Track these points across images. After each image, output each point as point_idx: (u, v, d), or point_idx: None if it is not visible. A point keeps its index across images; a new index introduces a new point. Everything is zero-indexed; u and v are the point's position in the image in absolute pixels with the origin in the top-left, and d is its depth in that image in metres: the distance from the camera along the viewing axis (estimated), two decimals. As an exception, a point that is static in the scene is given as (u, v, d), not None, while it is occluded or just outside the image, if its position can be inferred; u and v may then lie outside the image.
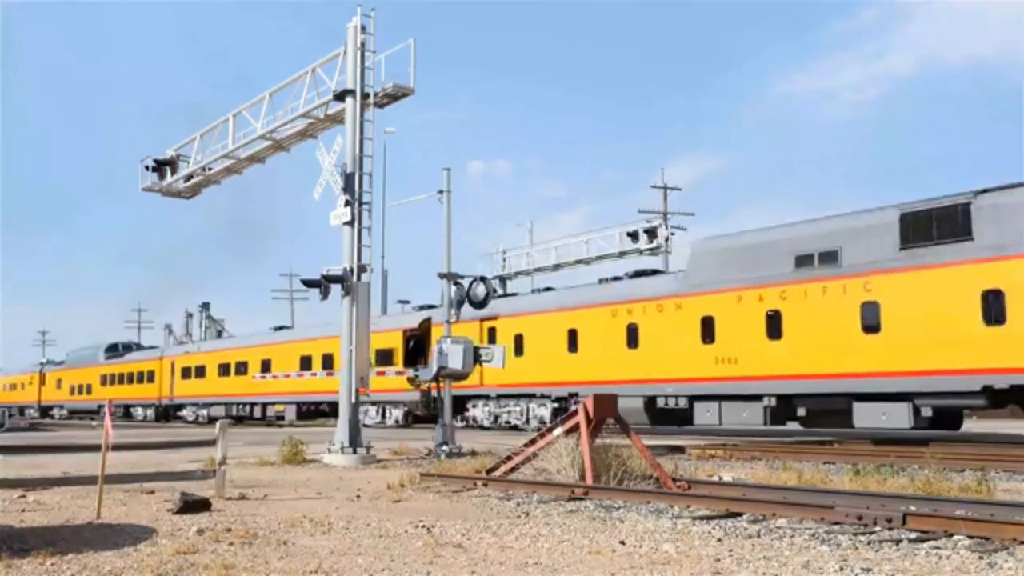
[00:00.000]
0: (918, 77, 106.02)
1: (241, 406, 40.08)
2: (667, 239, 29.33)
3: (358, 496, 9.89)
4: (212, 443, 10.36)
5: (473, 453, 15.72)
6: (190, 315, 67.35)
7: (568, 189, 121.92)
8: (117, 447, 9.94)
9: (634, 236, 28.94)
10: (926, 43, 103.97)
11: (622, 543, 6.59)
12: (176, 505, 8.38)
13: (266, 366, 38.11)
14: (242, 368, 39.97)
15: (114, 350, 54.77)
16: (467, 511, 8.55)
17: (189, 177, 21.01)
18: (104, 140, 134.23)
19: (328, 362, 33.04)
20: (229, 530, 7.25)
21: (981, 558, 5.82)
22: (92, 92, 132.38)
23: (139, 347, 56.61)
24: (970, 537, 6.41)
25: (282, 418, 37.67)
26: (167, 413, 47.10)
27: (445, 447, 16.27)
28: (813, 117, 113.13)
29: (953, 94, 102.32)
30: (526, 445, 11.12)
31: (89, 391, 54.65)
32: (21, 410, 65.82)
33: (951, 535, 6.53)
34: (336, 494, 10.11)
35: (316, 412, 35.94)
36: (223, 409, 40.06)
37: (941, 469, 10.70)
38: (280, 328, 42.42)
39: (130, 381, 50.24)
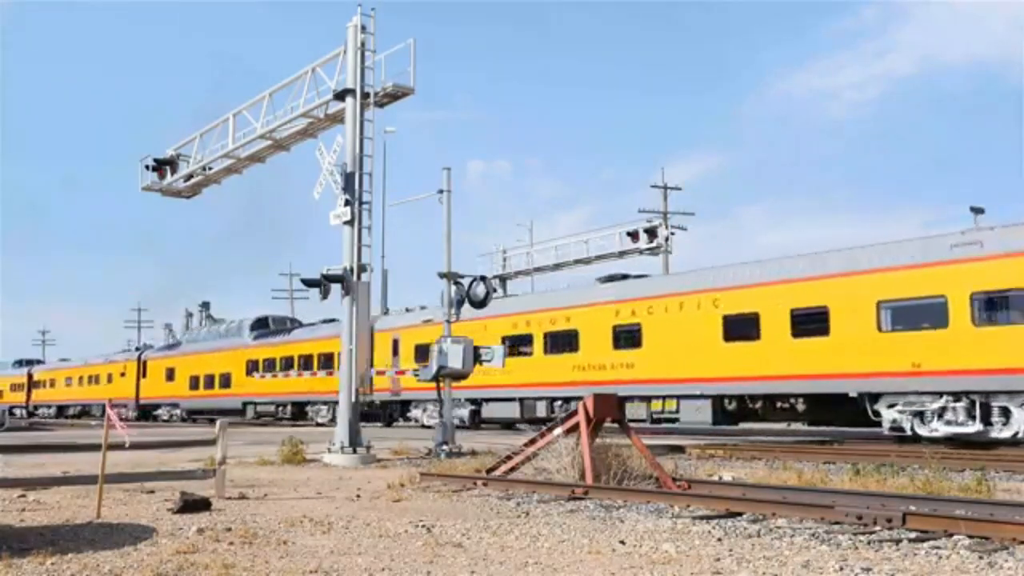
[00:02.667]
0: (918, 77, 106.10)
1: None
2: (667, 239, 29.38)
3: (358, 496, 9.89)
4: (212, 443, 10.37)
5: (473, 453, 15.73)
6: (190, 315, 67.39)
7: (568, 189, 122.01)
8: (114, 447, 9.91)
9: (634, 236, 28.99)
10: (926, 43, 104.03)
11: (622, 543, 6.59)
12: (176, 505, 8.38)
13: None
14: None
15: (263, 326, 40.38)
16: (467, 511, 8.55)
17: (189, 177, 20.99)
18: (104, 140, 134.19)
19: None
20: (229, 530, 7.25)
21: (981, 558, 5.82)
22: (92, 91, 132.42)
23: (295, 322, 41.33)
24: (970, 537, 6.41)
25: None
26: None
27: (445, 447, 16.27)
28: (813, 117, 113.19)
29: (953, 94, 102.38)
30: (526, 445, 11.13)
31: (227, 383, 40.34)
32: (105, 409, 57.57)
33: (951, 535, 6.53)
34: (336, 494, 10.11)
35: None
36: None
37: (941, 469, 10.71)
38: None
39: (303, 368, 34.50)
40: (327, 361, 32.69)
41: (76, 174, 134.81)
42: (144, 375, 48.67)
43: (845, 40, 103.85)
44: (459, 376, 17.60)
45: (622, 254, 29.38)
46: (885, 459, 13.29)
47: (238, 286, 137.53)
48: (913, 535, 6.60)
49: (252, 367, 38.75)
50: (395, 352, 30.36)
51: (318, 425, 31.99)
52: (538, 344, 26.19)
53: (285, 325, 40.09)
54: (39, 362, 72.00)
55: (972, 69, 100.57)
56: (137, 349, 54.61)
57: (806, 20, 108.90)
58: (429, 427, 26.13)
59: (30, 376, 66.59)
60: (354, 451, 14.70)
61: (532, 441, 11.10)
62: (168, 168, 21.15)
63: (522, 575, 5.59)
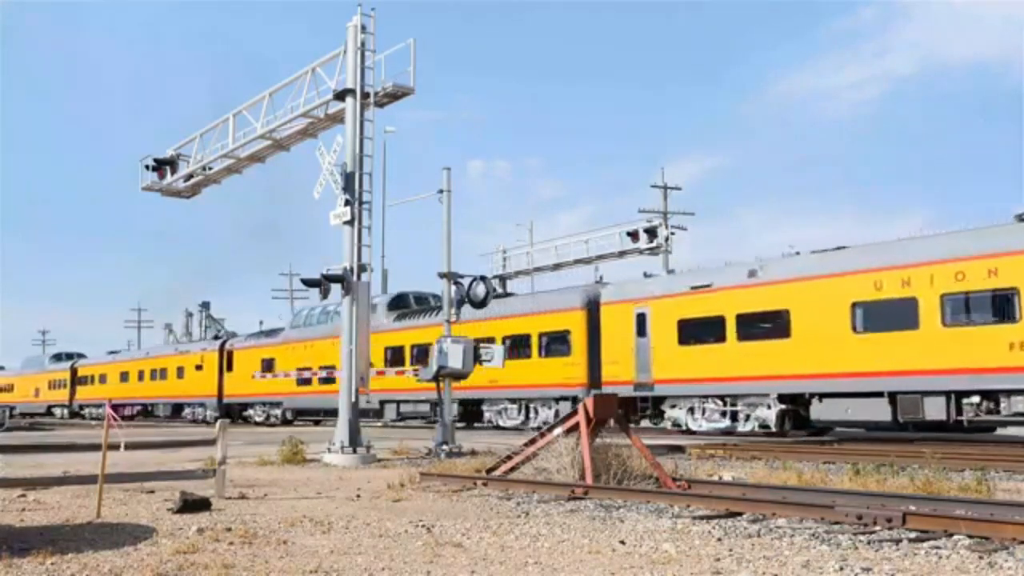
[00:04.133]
0: (918, 77, 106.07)
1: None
2: (667, 239, 29.34)
3: (358, 496, 9.89)
4: (212, 443, 10.37)
5: (473, 453, 15.73)
6: (190, 314, 67.46)
7: (568, 189, 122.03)
8: (114, 447, 9.94)
9: (634, 236, 28.94)
10: (926, 43, 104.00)
11: (622, 543, 6.59)
12: (176, 504, 8.38)
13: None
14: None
15: (402, 304, 33.01)
16: (467, 511, 8.55)
17: (189, 176, 21.01)
18: (104, 139, 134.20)
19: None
20: (229, 529, 7.25)
21: (981, 558, 5.82)
22: (91, 91, 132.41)
23: (438, 299, 29.62)
24: (970, 537, 6.41)
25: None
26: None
27: (445, 447, 16.28)
28: (814, 116, 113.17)
29: (953, 94, 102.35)
30: (526, 445, 11.13)
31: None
32: (179, 408, 44.65)
33: (951, 535, 6.53)
34: (336, 494, 10.11)
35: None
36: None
37: (941, 469, 10.70)
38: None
39: None
40: (517, 343, 26.40)
41: (76, 173, 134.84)
42: (229, 368, 40.81)
43: (845, 40, 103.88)
44: (459, 376, 17.56)
45: (622, 254, 29.33)
46: (885, 459, 13.28)
47: (240, 286, 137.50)
48: (913, 535, 6.60)
49: (393, 356, 31.12)
50: (641, 331, 23.62)
51: (512, 429, 25.77)
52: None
53: (428, 303, 31.74)
54: (81, 356, 63.81)
55: (972, 69, 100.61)
56: (217, 337, 45.91)
57: (806, 20, 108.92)
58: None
59: (74, 371, 58.90)
60: (354, 451, 14.70)
61: (532, 441, 11.10)
62: (168, 168, 21.17)
63: (522, 575, 5.59)
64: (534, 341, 26.30)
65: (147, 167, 21.29)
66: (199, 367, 42.98)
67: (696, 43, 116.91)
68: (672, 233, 31.33)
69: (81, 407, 56.83)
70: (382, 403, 31.10)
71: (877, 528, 6.91)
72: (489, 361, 17.77)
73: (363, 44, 15.66)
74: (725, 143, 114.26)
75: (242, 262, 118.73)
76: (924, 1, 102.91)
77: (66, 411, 59.11)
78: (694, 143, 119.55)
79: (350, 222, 15.21)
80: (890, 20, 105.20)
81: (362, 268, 15.24)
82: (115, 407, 50.62)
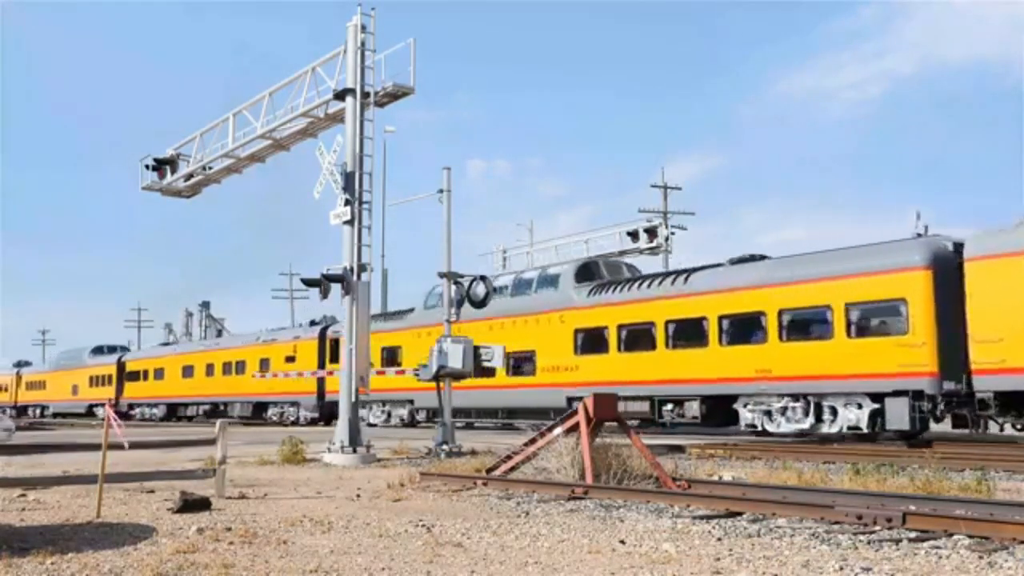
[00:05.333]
0: (918, 77, 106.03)
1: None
2: (667, 238, 29.37)
3: (358, 495, 9.89)
4: (212, 442, 10.37)
5: (473, 452, 15.73)
6: (190, 314, 67.47)
7: (568, 188, 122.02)
8: (114, 447, 9.94)
9: (634, 235, 28.97)
10: (926, 42, 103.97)
11: (622, 542, 6.59)
12: (176, 504, 8.38)
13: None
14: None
15: (592, 275, 26.04)
16: (467, 510, 8.55)
17: (189, 176, 21.01)
18: (104, 138, 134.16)
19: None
20: (229, 529, 7.25)
21: (981, 558, 5.82)
22: (91, 91, 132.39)
23: (632, 268, 27.55)
24: (970, 537, 6.41)
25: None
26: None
27: (445, 446, 16.28)
28: (814, 116, 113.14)
29: (953, 94, 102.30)
30: (526, 444, 11.13)
31: (526, 367, 26.51)
32: (261, 407, 37.98)
33: (951, 535, 6.53)
34: (336, 493, 10.11)
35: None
36: None
37: (941, 469, 10.70)
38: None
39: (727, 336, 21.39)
40: (801, 318, 20.50)
41: (76, 173, 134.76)
42: (333, 359, 33.62)
43: (844, 40, 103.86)
44: (459, 376, 17.57)
45: (622, 254, 29.37)
46: (885, 459, 13.29)
47: (240, 287, 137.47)
48: (913, 535, 6.60)
49: (589, 341, 24.65)
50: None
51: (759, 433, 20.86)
52: None
53: (622, 271, 26.39)
54: (124, 348, 58.55)
55: (972, 69, 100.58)
56: (315, 323, 37.85)
57: (805, 20, 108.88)
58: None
59: (121, 366, 52.18)
60: (354, 451, 14.70)
61: (532, 441, 11.10)
62: (168, 168, 21.18)
63: (522, 575, 5.58)
64: (836, 315, 19.37)
65: (147, 167, 21.29)
66: (291, 358, 36.11)
67: (696, 43, 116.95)
68: (672, 233, 31.38)
69: (131, 406, 49.68)
70: (569, 399, 23.41)
71: (877, 528, 6.91)
72: (489, 361, 17.75)
73: (363, 44, 15.66)
74: (725, 143, 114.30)
75: (242, 262, 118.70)
76: (924, 1, 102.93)
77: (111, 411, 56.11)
78: (694, 143, 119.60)
79: (350, 222, 15.21)
80: (889, 20, 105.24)
81: (362, 268, 15.24)
82: (176, 406, 44.16)
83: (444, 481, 10.75)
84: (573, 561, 5.94)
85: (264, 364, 37.70)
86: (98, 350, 57.53)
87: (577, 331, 25.00)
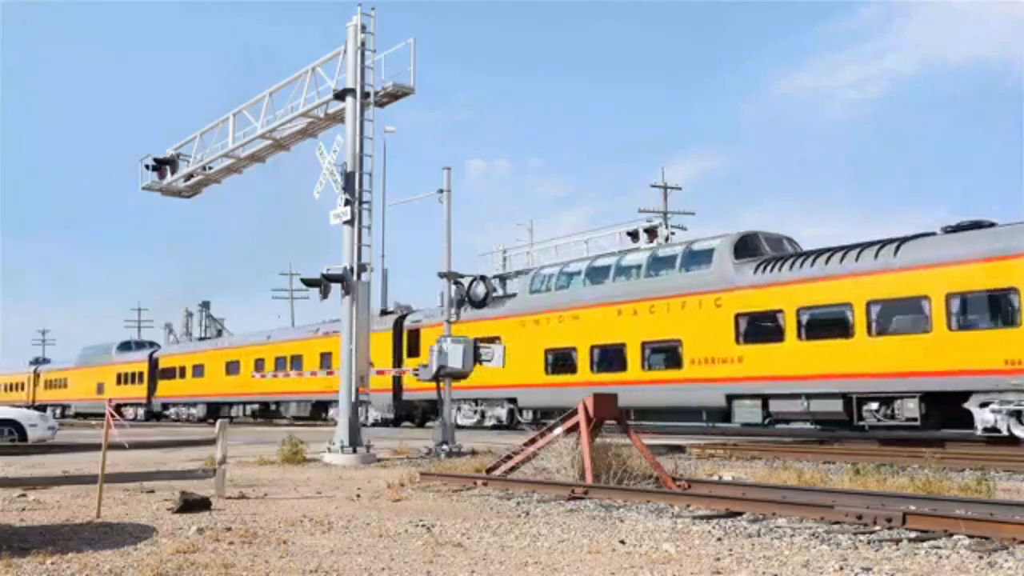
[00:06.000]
0: (918, 77, 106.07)
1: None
2: (667, 239, 29.37)
3: (358, 495, 9.89)
4: (212, 442, 10.37)
5: (473, 452, 15.73)
6: (190, 314, 67.41)
7: (568, 188, 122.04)
8: (114, 447, 9.95)
9: (634, 235, 28.98)
10: (926, 43, 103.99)
11: (622, 542, 6.59)
12: (176, 504, 8.38)
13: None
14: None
15: (753, 250, 21.99)
16: (467, 510, 8.55)
17: (189, 176, 21.02)
18: (105, 138, 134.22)
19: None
20: (229, 529, 7.25)
21: (981, 558, 5.82)
22: (91, 90, 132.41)
23: (792, 243, 23.04)
24: (970, 537, 6.41)
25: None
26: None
27: (445, 446, 16.28)
28: (814, 116, 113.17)
29: (953, 94, 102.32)
30: (526, 444, 11.14)
31: (673, 359, 22.41)
32: (321, 406, 33.94)
33: (951, 535, 6.53)
34: (336, 493, 10.11)
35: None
36: None
37: (941, 469, 10.71)
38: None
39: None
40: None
41: (76, 173, 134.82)
42: (413, 352, 30.03)
43: (844, 40, 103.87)
44: (459, 376, 17.57)
45: (622, 253, 29.37)
46: (885, 459, 13.29)
47: (240, 287, 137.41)
48: (913, 535, 6.60)
49: (754, 327, 20.68)
50: None
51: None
52: None
53: (783, 247, 22.11)
54: (153, 344, 54.94)
55: (972, 69, 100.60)
56: (387, 312, 32.70)
57: (805, 20, 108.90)
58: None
59: (154, 362, 48.61)
60: (354, 451, 14.70)
61: (532, 441, 11.10)
62: (168, 168, 21.18)
63: (522, 575, 5.58)
64: None
65: (147, 167, 21.30)
66: (326, 355, 33.33)
67: (696, 43, 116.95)
68: (672, 233, 31.39)
69: (165, 406, 46.73)
70: (729, 397, 20.76)
71: (877, 528, 6.91)
72: (489, 361, 17.76)
73: (363, 44, 15.67)
74: (725, 143, 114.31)
75: (242, 262, 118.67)
76: (924, 1, 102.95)
77: (141, 411, 48.72)
78: (694, 143, 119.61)
79: (350, 222, 15.21)
80: (889, 20, 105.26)
81: (362, 268, 15.25)
82: (218, 405, 40.61)
83: (444, 481, 10.75)
84: (573, 561, 5.94)
85: (326, 359, 33.36)
86: (125, 346, 54.17)
87: (739, 316, 20.84)
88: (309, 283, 15.64)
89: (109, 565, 5.81)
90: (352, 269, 15.11)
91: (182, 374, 45.59)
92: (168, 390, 46.60)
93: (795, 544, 6.47)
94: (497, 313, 27.12)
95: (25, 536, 6.94)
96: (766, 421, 20.32)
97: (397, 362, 30.66)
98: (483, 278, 18.85)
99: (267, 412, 38.44)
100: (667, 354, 22.44)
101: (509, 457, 11.22)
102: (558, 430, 10.62)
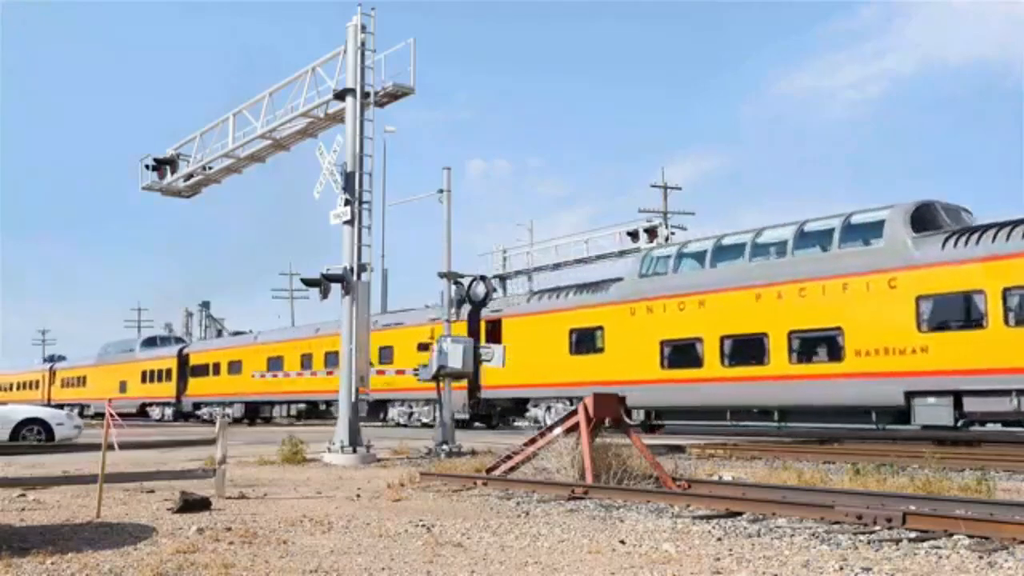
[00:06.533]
0: (918, 77, 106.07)
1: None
2: (667, 238, 29.42)
3: (358, 495, 9.89)
4: (212, 442, 10.37)
5: (473, 452, 15.73)
6: (190, 314, 67.45)
7: (568, 188, 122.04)
8: (124, 447, 9.96)
9: (634, 235, 29.06)
10: (926, 43, 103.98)
11: (622, 542, 6.59)
12: (176, 504, 8.38)
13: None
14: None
15: (931, 221, 18.74)
16: (467, 510, 8.55)
17: (189, 176, 21.02)
18: (105, 138, 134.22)
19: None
20: (229, 529, 7.25)
21: (981, 557, 5.82)
22: (92, 90, 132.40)
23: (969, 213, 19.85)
24: (970, 536, 6.40)
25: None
26: None
27: (445, 446, 16.28)
28: (814, 116, 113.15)
29: (953, 94, 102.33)
30: (526, 444, 11.13)
31: (831, 351, 19.28)
32: (381, 405, 31.09)
33: (951, 535, 6.53)
34: (336, 493, 10.11)
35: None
36: None
37: (941, 469, 10.70)
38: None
39: None
40: None
41: (76, 172, 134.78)
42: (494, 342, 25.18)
43: (844, 40, 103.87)
44: (459, 375, 17.57)
45: (622, 254, 29.43)
46: (885, 459, 13.29)
47: (240, 287, 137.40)
48: (913, 535, 6.60)
49: (945, 311, 17.69)
50: None
51: None
52: None
53: (961, 219, 19.22)
54: (180, 340, 52.65)
55: (972, 69, 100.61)
56: (464, 301, 28.23)
57: (805, 20, 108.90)
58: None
59: (183, 358, 45.46)
60: (354, 451, 14.70)
61: (532, 441, 11.10)
62: (168, 168, 21.19)
63: (522, 575, 5.58)
64: None
65: (147, 167, 21.31)
66: (425, 346, 27.84)
67: (696, 43, 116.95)
68: (672, 233, 31.44)
69: (196, 405, 43.61)
70: (909, 395, 17.58)
71: (877, 528, 6.91)
72: (489, 360, 17.76)
73: (363, 44, 15.66)
74: (725, 143, 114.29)
75: (242, 262, 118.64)
76: (924, 1, 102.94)
77: (169, 411, 45.60)
78: (694, 143, 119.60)
79: (350, 222, 15.21)
80: (889, 20, 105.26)
81: (362, 268, 15.25)
82: (257, 405, 37.80)
83: (444, 481, 10.75)
84: (573, 561, 5.94)
85: (385, 354, 30.16)
86: (150, 342, 51.52)
87: (921, 298, 17.69)
88: (309, 283, 15.63)
89: (109, 565, 5.81)
90: (352, 269, 15.11)
91: (216, 371, 42.12)
92: (200, 388, 43.28)
93: (795, 544, 6.47)
94: (599, 299, 24.04)
95: (25, 536, 6.93)
96: (958, 423, 17.18)
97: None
98: (483, 278, 18.81)
99: (314, 412, 35.49)
100: (823, 344, 19.30)
101: (509, 457, 11.22)
102: (558, 430, 10.62)
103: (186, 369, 44.80)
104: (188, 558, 6.00)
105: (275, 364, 37.06)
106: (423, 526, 7.44)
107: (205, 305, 67.22)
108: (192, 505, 8.37)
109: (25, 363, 75.27)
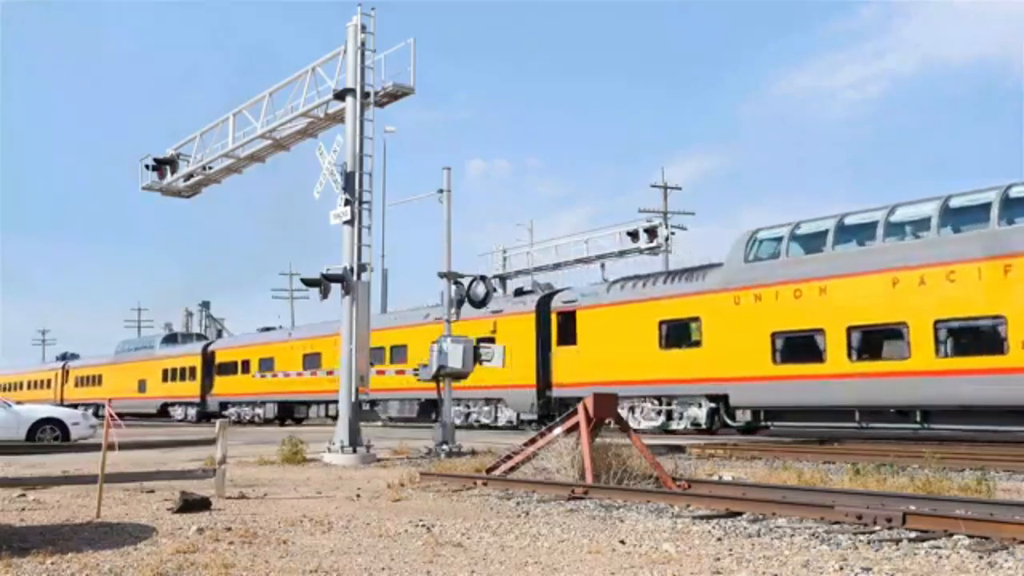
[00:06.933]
0: (918, 76, 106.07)
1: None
2: (667, 238, 29.40)
3: (358, 495, 9.89)
4: (212, 442, 10.37)
5: (473, 452, 15.73)
6: (190, 314, 67.43)
7: (568, 188, 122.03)
8: (123, 447, 9.96)
9: (634, 235, 29.02)
10: (926, 42, 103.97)
11: (622, 542, 6.59)
12: (176, 504, 8.38)
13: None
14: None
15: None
16: (467, 510, 8.55)
17: (189, 176, 21.02)
18: (105, 138, 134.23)
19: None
20: (229, 529, 7.25)
21: (981, 557, 5.82)
22: (92, 90, 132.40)
23: None
24: (970, 536, 6.40)
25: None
26: None
27: (445, 446, 16.28)
28: (814, 116, 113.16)
29: (953, 94, 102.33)
30: (526, 444, 11.14)
31: None
32: (431, 405, 25.11)
33: (951, 535, 6.53)
34: (336, 493, 10.11)
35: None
36: None
37: (941, 469, 10.70)
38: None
39: None
40: None
41: (76, 172, 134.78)
42: (564, 339, 24.49)
43: (844, 40, 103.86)
44: (459, 376, 17.56)
45: (622, 254, 29.41)
46: (885, 459, 13.29)
47: (242, 287, 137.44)
48: (913, 535, 6.60)
49: None
50: None
51: None
52: None
53: None
54: (202, 336, 50.24)
55: (972, 69, 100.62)
56: (522, 291, 28.24)
57: (805, 19, 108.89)
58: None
59: (209, 356, 42.98)
60: (354, 451, 14.70)
61: (532, 441, 11.11)
62: (168, 167, 21.19)
63: (522, 575, 5.58)
64: None
65: (147, 166, 21.31)
66: (486, 340, 24.54)
67: (696, 43, 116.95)
68: (672, 233, 31.42)
69: (223, 405, 40.76)
70: None
71: (877, 528, 6.91)
72: (489, 360, 17.75)
73: (363, 44, 15.67)
74: (725, 143, 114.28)
75: (242, 262, 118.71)
76: (924, 1, 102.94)
77: (193, 411, 42.96)
78: (694, 143, 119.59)
79: (350, 222, 15.22)
80: (889, 19, 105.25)
81: (362, 268, 15.25)
82: (292, 404, 34.92)
83: (444, 481, 10.75)
84: (573, 561, 5.94)
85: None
86: (171, 338, 49.62)
87: None
88: (309, 283, 15.64)
89: (109, 565, 5.81)
90: (352, 269, 15.11)
91: (245, 369, 39.21)
92: (228, 387, 40.43)
93: (795, 544, 6.47)
94: (695, 287, 21.69)
95: (25, 536, 6.94)
96: None
97: (543, 351, 25.16)
98: (483, 278, 18.78)
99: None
100: (979, 335, 17.17)
101: (509, 457, 11.22)
102: (558, 430, 10.62)
103: (212, 367, 42.45)
104: (188, 558, 6.00)
105: (312, 361, 34.44)
106: (423, 526, 7.44)
107: (205, 305, 67.20)
108: (192, 505, 8.37)
109: (35, 361, 74.52)
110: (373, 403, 29.99)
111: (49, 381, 60.74)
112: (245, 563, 5.87)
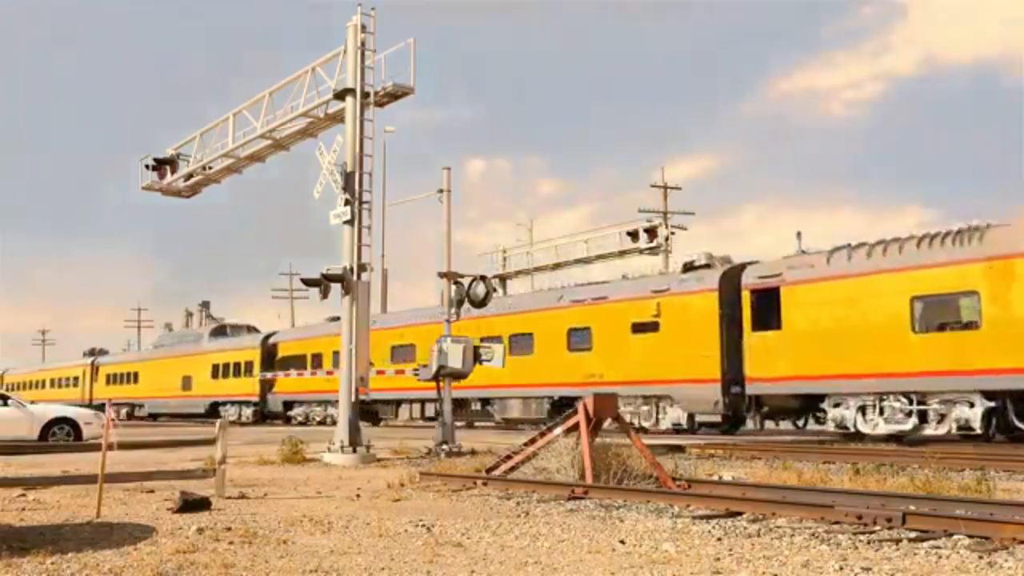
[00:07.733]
0: (918, 76, 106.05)
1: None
2: (667, 238, 29.44)
3: (358, 495, 9.89)
4: (212, 442, 10.37)
5: (473, 452, 15.73)
6: (190, 314, 67.39)
7: (568, 188, 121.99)
8: (124, 446, 9.96)
9: (634, 235, 29.06)
10: (926, 42, 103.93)
11: (622, 542, 6.59)
12: (176, 504, 8.38)
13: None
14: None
15: None
16: (467, 510, 8.55)
17: (189, 176, 21.01)
18: (105, 138, 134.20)
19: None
20: (229, 529, 7.25)
21: (981, 558, 5.82)
22: (90, 90, 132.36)
23: None
24: (970, 537, 6.40)
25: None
26: None
27: (445, 446, 16.28)
28: (813, 116, 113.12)
29: (953, 94, 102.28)
30: (526, 444, 11.13)
31: None
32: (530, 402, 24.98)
33: (951, 535, 6.52)
34: (336, 493, 10.11)
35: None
36: None
37: (941, 469, 10.70)
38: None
39: None
40: None
41: (77, 172, 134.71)
42: (760, 323, 20.44)
43: (844, 40, 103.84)
44: (459, 376, 17.55)
45: (622, 253, 29.45)
46: (885, 459, 13.29)
47: (242, 287, 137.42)
48: (913, 535, 6.60)
49: None
50: None
51: None
52: None
53: None
54: (252, 329, 43.55)
55: (972, 69, 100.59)
56: (695, 266, 23.23)
57: (805, 20, 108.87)
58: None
59: (269, 349, 37.89)
60: (354, 451, 14.70)
61: (532, 441, 11.10)
62: (168, 168, 21.16)
63: (522, 575, 5.58)
64: None
65: (147, 166, 21.28)
66: (643, 327, 22.77)
67: (696, 43, 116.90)
68: (672, 233, 31.48)
69: (288, 405, 36.18)
70: None
71: (877, 528, 6.91)
72: (489, 360, 17.75)
73: (363, 44, 15.66)
74: (725, 143, 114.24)
75: (242, 262, 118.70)
76: (924, 1, 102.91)
77: (249, 411, 38.07)
78: (694, 143, 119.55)
79: (350, 222, 15.21)
80: (890, 20, 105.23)
81: (362, 268, 15.24)
82: (376, 404, 27.83)
83: (444, 481, 10.75)
84: (573, 561, 5.94)
85: (576, 336, 24.20)
86: (220, 331, 44.25)
87: None
88: (309, 283, 15.64)
89: (109, 565, 5.81)
90: (352, 269, 15.11)
91: (317, 363, 33.60)
92: (293, 385, 34.71)
93: (795, 544, 6.46)
94: (970, 254, 17.12)
95: (25, 536, 6.93)
96: None
97: (732, 337, 20.88)
98: (483, 278, 18.78)
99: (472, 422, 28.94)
100: None
101: (509, 457, 11.22)
102: (558, 430, 10.62)
103: (273, 361, 37.13)
104: (188, 558, 6.00)
105: (401, 354, 28.89)
106: (423, 526, 7.44)
107: (205, 305, 67.06)
108: (192, 505, 8.37)
109: (58, 358, 73.53)
110: (485, 401, 27.13)
111: (76, 379, 55.57)
112: (245, 563, 5.87)
